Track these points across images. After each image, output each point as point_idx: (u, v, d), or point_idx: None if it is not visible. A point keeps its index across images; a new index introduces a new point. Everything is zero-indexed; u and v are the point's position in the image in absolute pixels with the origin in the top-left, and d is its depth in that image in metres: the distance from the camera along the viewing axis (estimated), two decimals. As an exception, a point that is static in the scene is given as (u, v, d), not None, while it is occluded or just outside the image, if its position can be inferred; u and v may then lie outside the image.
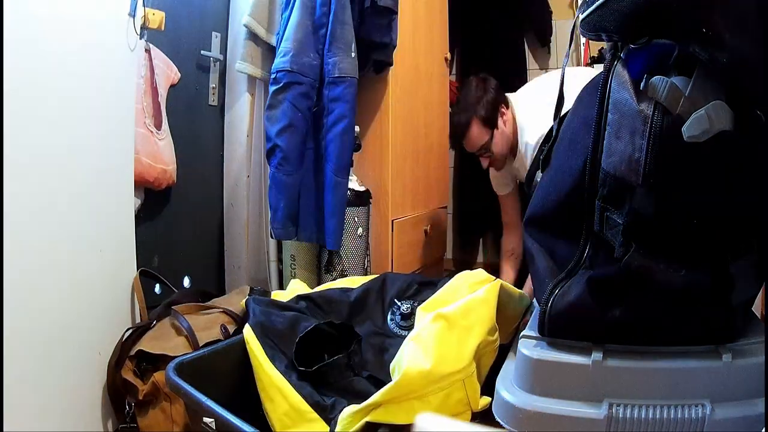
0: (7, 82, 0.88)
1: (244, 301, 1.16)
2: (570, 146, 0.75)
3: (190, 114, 1.56)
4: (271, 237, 1.55)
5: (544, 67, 2.66)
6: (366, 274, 1.50)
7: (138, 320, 1.24)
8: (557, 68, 2.53)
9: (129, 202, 1.24)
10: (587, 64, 2.31)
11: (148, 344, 1.09)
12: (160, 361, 1.08)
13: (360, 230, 1.50)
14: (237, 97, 1.64)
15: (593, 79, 0.76)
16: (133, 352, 1.10)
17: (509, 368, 0.78)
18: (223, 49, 1.65)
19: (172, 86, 1.44)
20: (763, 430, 0.58)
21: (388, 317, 1.16)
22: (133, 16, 1.21)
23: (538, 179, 0.90)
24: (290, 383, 0.91)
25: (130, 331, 1.16)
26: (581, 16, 0.67)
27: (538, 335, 0.73)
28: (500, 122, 1.58)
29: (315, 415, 0.87)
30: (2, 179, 0.87)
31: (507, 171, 1.74)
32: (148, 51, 1.32)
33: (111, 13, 1.16)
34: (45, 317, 0.99)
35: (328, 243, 1.41)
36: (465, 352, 0.85)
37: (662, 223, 0.62)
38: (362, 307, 1.18)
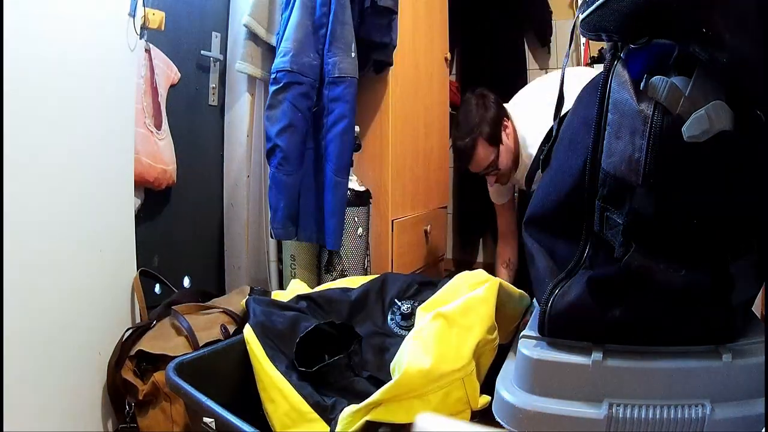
0: (7, 82, 0.88)
1: (244, 301, 1.16)
2: (570, 146, 0.75)
3: (190, 114, 1.56)
4: (271, 237, 1.55)
5: (544, 67, 2.66)
6: (366, 274, 1.50)
7: (138, 320, 1.24)
8: (557, 68, 2.54)
9: (129, 202, 1.24)
10: (587, 64, 2.31)
11: (148, 344, 1.09)
12: (160, 361, 1.08)
13: (360, 230, 1.50)
14: (237, 97, 1.64)
15: (593, 79, 0.76)
16: (133, 352, 1.10)
17: (509, 368, 0.78)
18: (223, 49, 1.65)
19: (172, 86, 1.44)
20: (763, 430, 0.58)
21: (389, 317, 1.16)
22: (133, 16, 1.21)
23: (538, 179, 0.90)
24: (291, 384, 0.91)
25: (130, 331, 1.16)
26: (581, 16, 0.67)
27: (538, 335, 0.73)
28: (503, 137, 1.54)
29: (315, 415, 0.87)
30: (2, 179, 0.87)
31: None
32: (148, 51, 1.32)
33: (111, 13, 1.16)
34: (45, 317, 0.99)
35: (328, 243, 1.41)
36: (464, 351, 0.85)
37: (662, 223, 0.62)
38: (362, 306, 1.18)
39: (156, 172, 1.33)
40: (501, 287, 0.98)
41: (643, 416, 0.63)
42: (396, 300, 1.18)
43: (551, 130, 0.92)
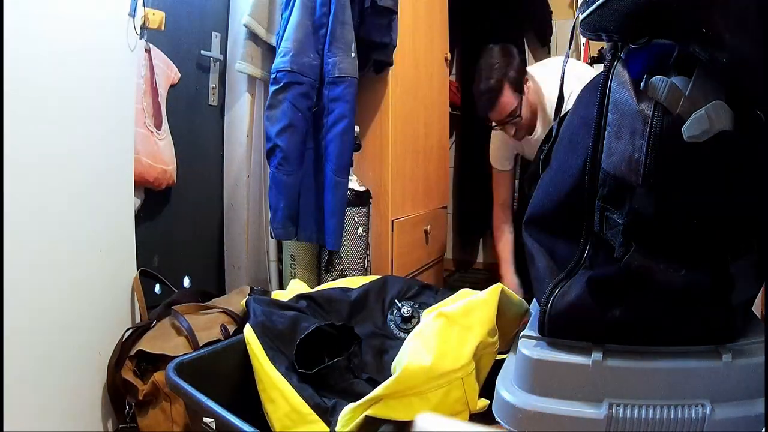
0: (7, 82, 0.88)
1: (244, 301, 1.16)
2: (570, 146, 0.75)
3: (190, 114, 1.56)
4: (271, 237, 1.55)
5: (544, 67, 2.66)
6: (366, 274, 1.50)
7: (138, 320, 1.24)
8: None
9: (129, 202, 1.24)
10: (587, 64, 2.31)
11: (148, 344, 1.09)
12: (160, 361, 1.08)
13: (360, 230, 1.50)
14: (237, 97, 1.64)
15: (593, 79, 0.76)
16: (133, 352, 1.10)
17: (509, 368, 0.78)
18: (223, 49, 1.65)
19: (172, 86, 1.44)
20: (763, 430, 0.58)
21: (389, 317, 1.16)
22: (133, 16, 1.21)
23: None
24: (291, 385, 0.91)
25: (130, 331, 1.16)
26: (581, 16, 0.67)
27: (538, 335, 0.73)
28: (525, 89, 1.55)
29: (316, 417, 0.87)
30: (2, 179, 0.87)
31: (513, 146, 1.74)
32: (148, 51, 1.32)
33: (111, 13, 1.16)
34: (45, 317, 1.00)
35: (328, 243, 1.41)
36: (465, 351, 0.85)
37: (662, 223, 0.62)
38: (362, 306, 1.18)
39: (156, 172, 1.33)
40: (503, 292, 0.98)
41: (643, 416, 0.63)
42: (396, 301, 1.18)
43: (551, 130, 0.92)
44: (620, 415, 0.64)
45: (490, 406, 0.77)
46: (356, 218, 1.49)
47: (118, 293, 1.21)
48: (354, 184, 1.50)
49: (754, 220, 0.64)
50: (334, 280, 1.39)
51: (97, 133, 1.12)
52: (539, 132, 1.60)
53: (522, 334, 0.76)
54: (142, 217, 1.36)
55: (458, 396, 0.83)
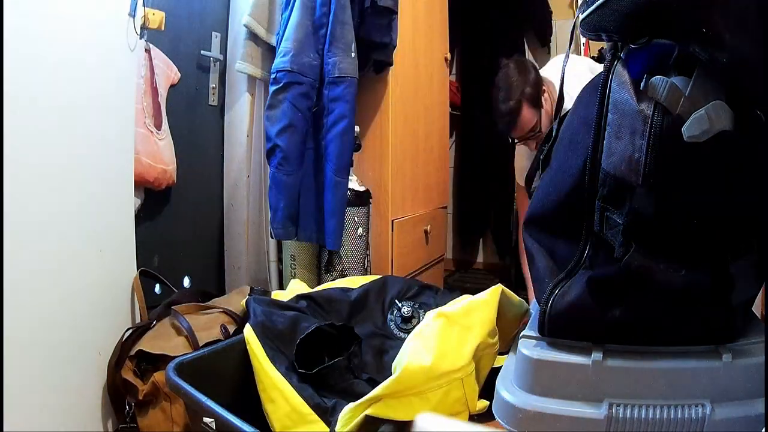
0: (7, 82, 0.88)
1: (244, 301, 1.16)
2: (570, 146, 0.75)
3: (190, 114, 1.56)
4: (271, 237, 1.55)
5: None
6: (366, 274, 1.50)
7: (138, 320, 1.24)
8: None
9: (129, 202, 1.24)
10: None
11: (148, 344, 1.09)
12: (160, 361, 1.08)
13: (360, 230, 1.50)
14: (237, 97, 1.64)
15: (593, 79, 0.76)
16: (133, 352, 1.10)
17: (509, 368, 0.78)
18: (223, 49, 1.65)
19: (172, 86, 1.44)
20: (763, 430, 0.58)
21: (389, 317, 1.16)
22: (133, 16, 1.21)
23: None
24: (291, 385, 0.91)
25: (130, 331, 1.16)
26: (581, 16, 0.67)
27: (538, 335, 0.73)
28: (542, 101, 1.54)
29: (316, 417, 0.87)
30: (2, 179, 0.87)
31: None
32: (148, 51, 1.32)
33: (111, 13, 1.16)
34: (45, 317, 0.99)
35: (328, 243, 1.41)
36: (465, 351, 0.85)
37: (662, 223, 0.62)
38: (362, 306, 1.18)
39: (156, 172, 1.33)
40: (503, 293, 0.98)
41: (643, 416, 0.63)
42: (396, 301, 1.18)
43: (551, 130, 0.92)
44: (620, 415, 0.64)
45: (490, 406, 0.77)
46: (356, 218, 1.49)
47: (118, 293, 1.21)
48: (354, 184, 1.50)
49: (754, 220, 0.64)
50: (334, 280, 1.39)
51: (97, 133, 1.12)
52: None
53: (522, 334, 0.76)
54: (142, 217, 1.36)
55: (458, 396, 0.83)
